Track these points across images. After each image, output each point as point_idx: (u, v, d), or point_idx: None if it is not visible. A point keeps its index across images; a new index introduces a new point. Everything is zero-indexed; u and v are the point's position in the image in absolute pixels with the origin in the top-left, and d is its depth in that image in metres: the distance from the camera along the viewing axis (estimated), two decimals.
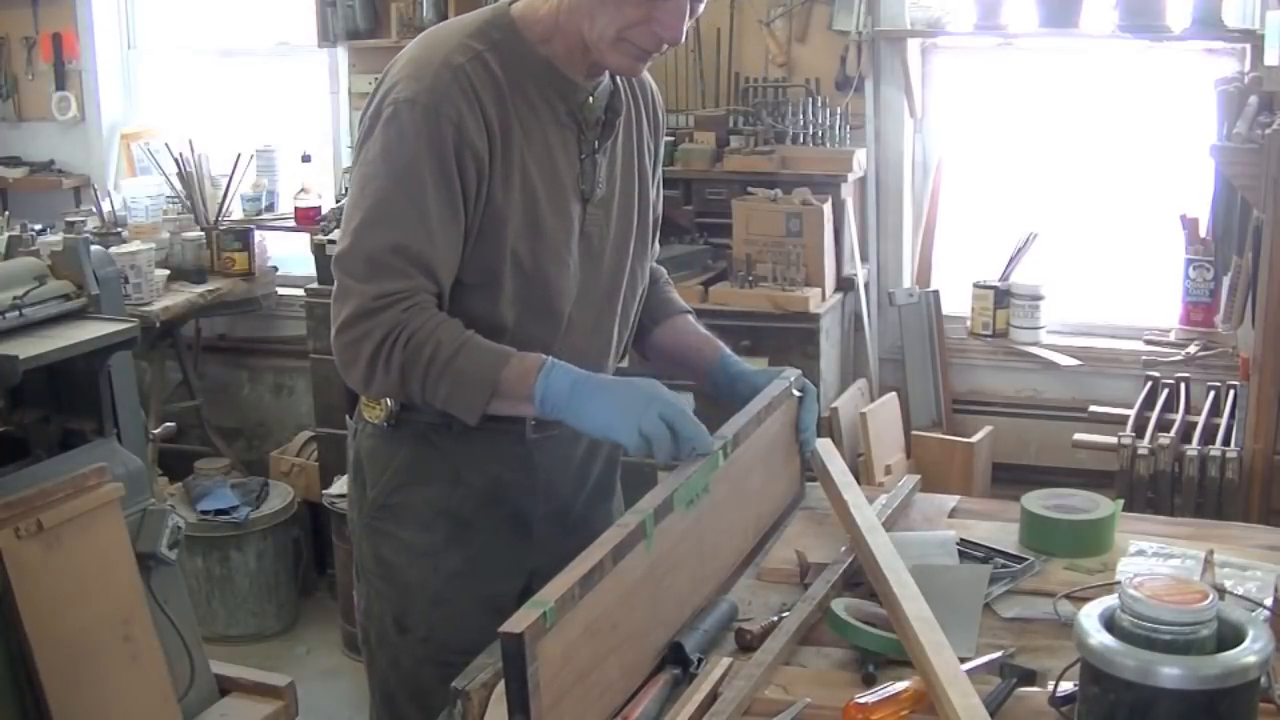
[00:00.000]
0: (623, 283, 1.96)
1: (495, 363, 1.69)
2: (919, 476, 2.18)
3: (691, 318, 2.14)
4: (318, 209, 4.38)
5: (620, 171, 1.93)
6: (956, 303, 4.10)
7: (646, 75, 1.98)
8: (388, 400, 1.85)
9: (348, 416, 2.03)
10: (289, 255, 4.62)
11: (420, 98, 1.71)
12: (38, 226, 3.96)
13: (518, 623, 1.30)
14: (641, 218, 1.98)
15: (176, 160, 4.44)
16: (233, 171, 4.44)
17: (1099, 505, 1.94)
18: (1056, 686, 1.44)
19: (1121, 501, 2.00)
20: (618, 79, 1.90)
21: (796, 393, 1.99)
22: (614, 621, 1.46)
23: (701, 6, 1.75)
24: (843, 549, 1.84)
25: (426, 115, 1.71)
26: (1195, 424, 3.37)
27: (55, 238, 3.59)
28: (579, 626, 1.39)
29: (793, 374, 2.00)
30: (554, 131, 1.82)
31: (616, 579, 1.46)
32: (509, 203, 1.77)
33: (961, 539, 1.91)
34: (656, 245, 2.11)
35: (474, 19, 1.83)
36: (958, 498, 2.16)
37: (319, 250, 4.03)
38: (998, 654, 1.56)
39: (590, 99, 1.84)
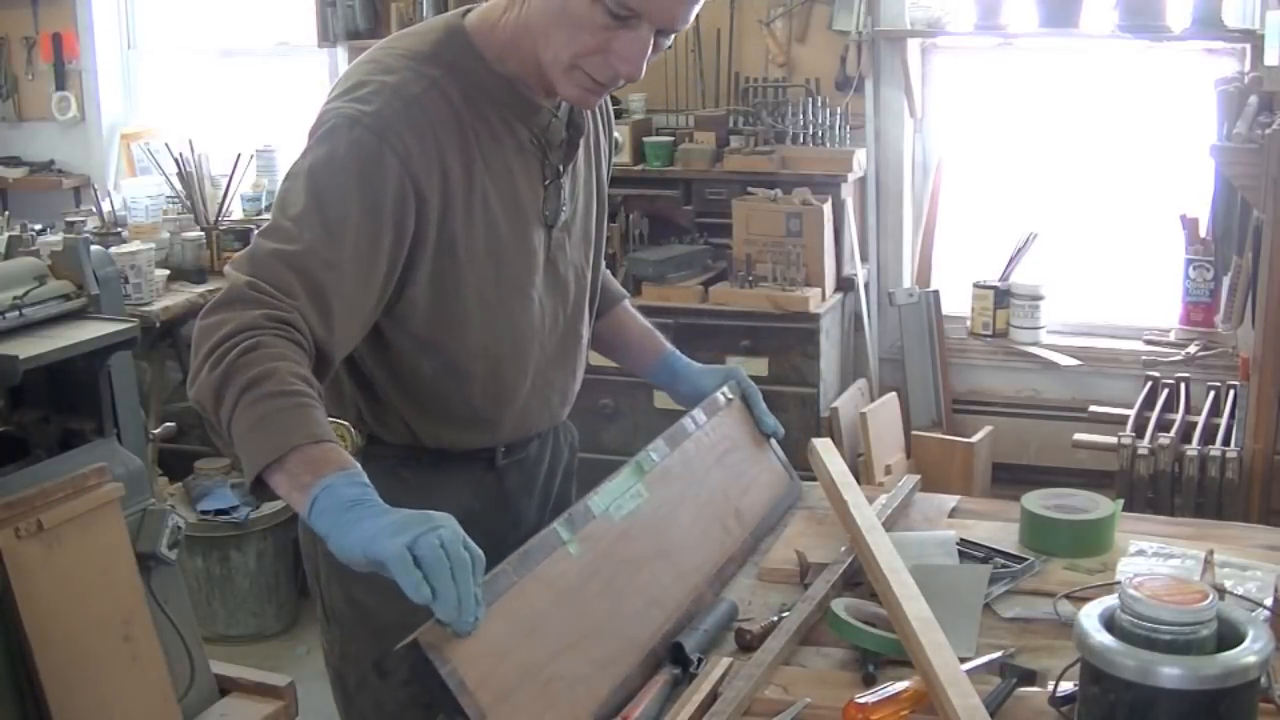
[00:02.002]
0: (585, 302, 1.91)
1: (303, 431, 1.39)
2: (919, 476, 2.18)
3: (628, 303, 2.11)
4: None
5: (581, 189, 1.85)
6: (956, 303, 4.10)
7: None
8: (352, 431, 1.74)
9: None
10: None
11: (364, 119, 1.56)
12: (38, 226, 3.95)
13: (423, 633, 1.36)
14: (599, 228, 1.93)
15: (176, 160, 4.43)
16: (233, 171, 4.44)
17: (1099, 505, 1.94)
18: (1056, 686, 1.44)
19: (1121, 501, 2.00)
20: None
21: (727, 397, 2.02)
22: (557, 621, 1.49)
23: (667, 42, 1.61)
24: (843, 549, 1.84)
25: (368, 139, 1.55)
26: (1195, 424, 3.37)
27: (55, 238, 3.59)
28: (503, 626, 1.42)
29: (732, 383, 2.04)
30: (516, 159, 1.71)
31: (540, 581, 1.49)
32: (472, 240, 1.66)
33: (961, 539, 1.90)
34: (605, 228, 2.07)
35: (425, 37, 1.69)
36: (958, 498, 2.16)
37: None
38: (998, 654, 1.56)
39: (554, 120, 1.74)
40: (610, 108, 1.96)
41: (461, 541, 1.34)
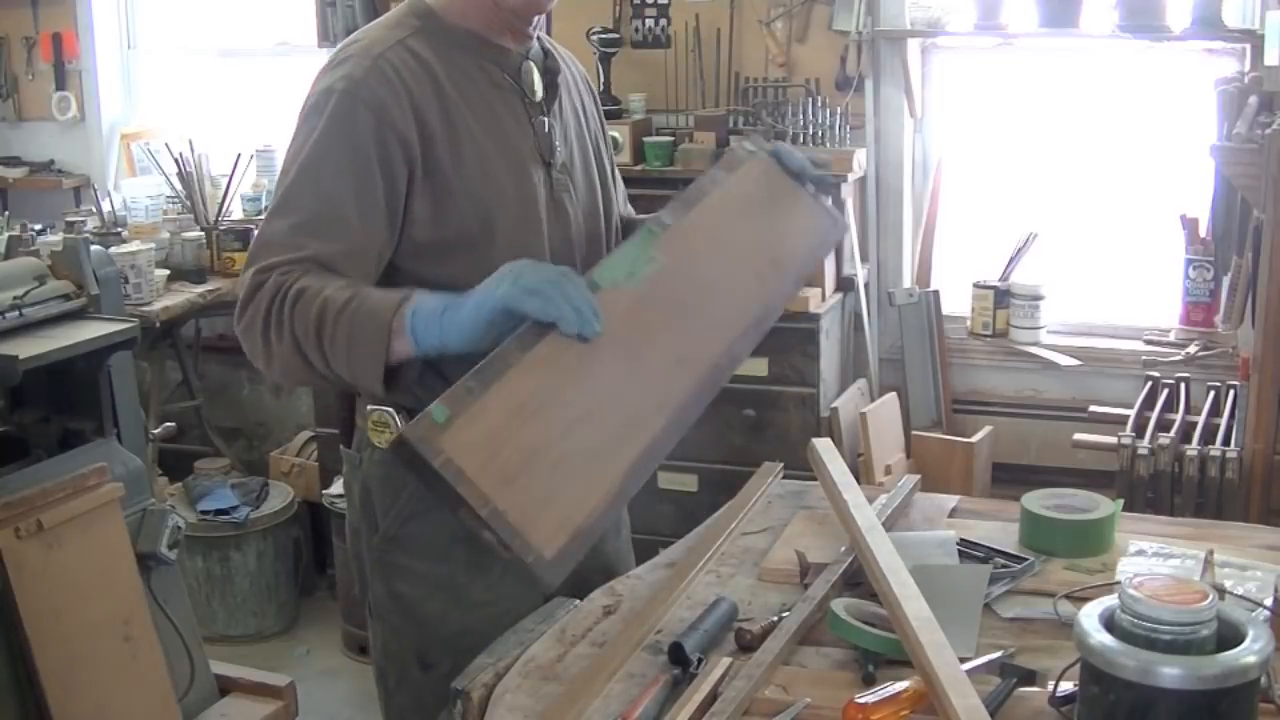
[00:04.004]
0: (602, 251, 1.94)
1: (384, 315, 1.59)
2: (919, 476, 2.18)
3: None
4: None
5: (575, 140, 1.93)
6: (956, 303, 4.10)
7: (573, 57, 2.01)
8: (396, 423, 1.79)
9: (343, 446, 1.95)
10: None
11: (337, 85, 1.72)
12: (38, 226, 3.95)
13: (410, 429, 1.34)
14: (604, 188, 1.98)
15: (176, 160, 4.44)
16: (233, 171, 4.44)
17: (1099, 505, 1.94)
18: (1056, 686, 1.44)
19: (1121, 501, 2.00)
20: (546, 45, 1.91)
21: (748, 149, 1.93)
22: (565, 397, 1.47)
23: None
24: (843, 549, 1.84)
25: (341, 102, 1.70)
26: (1195, 424, 3.37)
27: (55, 238, 3.59)
28: (500, 413, 1.40)
29: (756, 137, 1.99)
30: (496, 96, 1.81)
31: (539, 360, 1.47)
32: (462, 173, 1.75)
33: (961, 539, 1.91)
34: (631, 211, 2.13)
35: (392, 14, 1.85)
36: (958, 498, 2.16)
37: None
38: (998, 654, 1.56)
39: (525, 63, 1.85)
40: (582, 69, 2.06)
41: (556, 269, 1.55)
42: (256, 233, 1.74)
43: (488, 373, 1.42)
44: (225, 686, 3.03)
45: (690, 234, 1.75)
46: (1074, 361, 3.92)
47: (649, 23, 4.21)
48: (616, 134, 3.98)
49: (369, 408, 1.82)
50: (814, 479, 2.07)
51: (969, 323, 4.08)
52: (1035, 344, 3.98)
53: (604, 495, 1.48)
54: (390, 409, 1.79)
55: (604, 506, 1.48)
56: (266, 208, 1.78)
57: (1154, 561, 1.85)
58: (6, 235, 3.33)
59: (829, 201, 2.04)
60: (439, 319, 1.57)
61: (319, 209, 1.68)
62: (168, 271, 4.16)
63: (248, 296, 1.67)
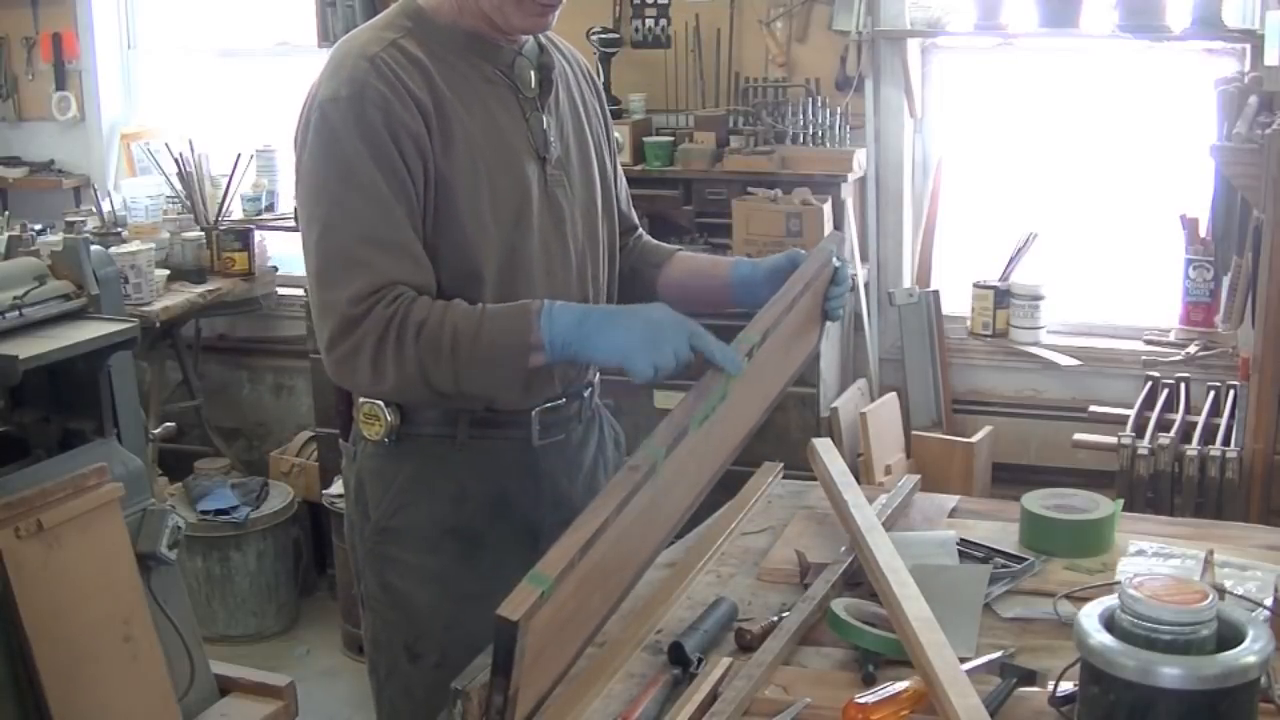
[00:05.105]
0: (600, 251, 1.95)
1: (521, 328, 1.68)
2: (919, 476, 2.18)
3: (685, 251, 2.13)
4: None
5: (572, 131, 1.93)
6: (956, 303, 4.10)
7: (575, 50, 2.01)
8: (386, 415, 1.82)
9: (341, 440, 1.97)
10: (289, 255, 4.61)
11: (341, 91, 1.72)
12: (38, 226, 3.96)
13: (515, 606, 1.28)
14: (604, 183, 1.98)
15: (176, 160, 4.44)
16: (233, 171, 4.44)
17: (1099, 505, 1.94)
18: (1056, 686, 1.44)
19: (1121, 501, 2.00)
20: (542, 40, 1.91)
21: (836, 262, 1.89)
22: (606, 566, 1.46)
23: None
24: (843, 549, 1.84)
25: (351, 106, 1.71)
26: (1195, 424, 3.37)
27: (55, 238, 3.59)
28: (574, 582, 1.37)
29: (835, 241, 1.95)
30: (489, 91, 1.82)
31: (625, 519, 1.44)
32: (455, 170, 1.76)
33: (961, 539, 1.91)
34: (634, 214, 2.13)
35: (384, 16, 1.85)
36: (958, 498, 2.16)
37: None
38: (998, 654, 1.56)
39: (518, 58, 1.85)
40: (596, 79, 2.05)
41: (688, 341, 1.63)
42: (316, 253, 1.72)
43: (589, 535, 1.36)
44: (225, 686, 3.03)
45: (753, 365, 1.69)
46: (1074, 361, 3.92)
47: (649, 23, 4.21)
48: (617, 134, 3.98)
49: (360, 400, 1.84)
50: (814, 479, 2.07)
51: (969, 323, 4.08)
52: (1035, 344, 3.98)
53: (569, 662, 1.51)
54: (379, 401, 1.82)
55: (564, 672, 1.51)
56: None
57: (1154, 561, 1.85)
58: (6, 235, 3.33)
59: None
60: (577, 330, 1.67)
61: (372, 214, 1.70)
62: (168, 271, 4.16)
63: (344, 329, 1.68)
